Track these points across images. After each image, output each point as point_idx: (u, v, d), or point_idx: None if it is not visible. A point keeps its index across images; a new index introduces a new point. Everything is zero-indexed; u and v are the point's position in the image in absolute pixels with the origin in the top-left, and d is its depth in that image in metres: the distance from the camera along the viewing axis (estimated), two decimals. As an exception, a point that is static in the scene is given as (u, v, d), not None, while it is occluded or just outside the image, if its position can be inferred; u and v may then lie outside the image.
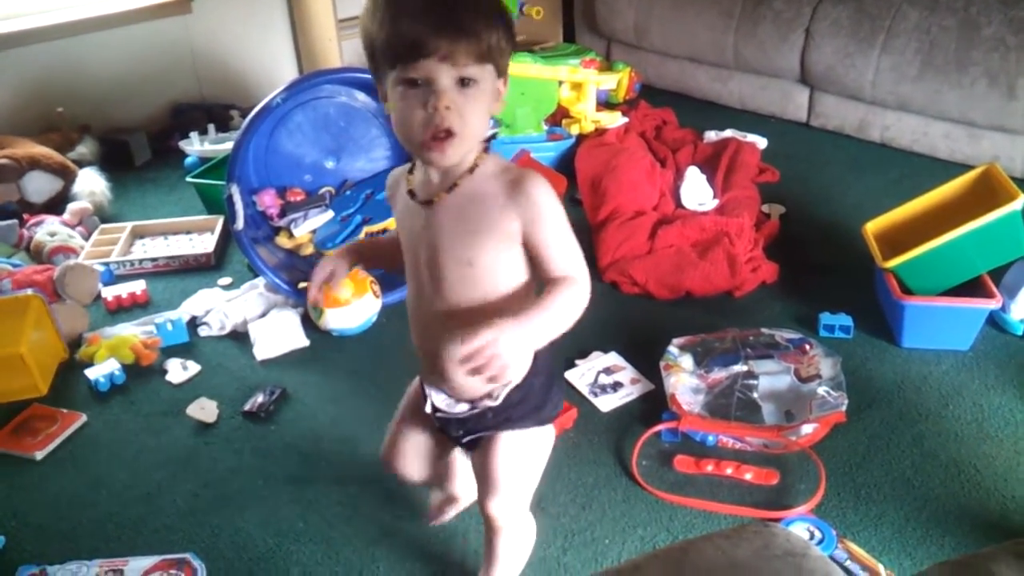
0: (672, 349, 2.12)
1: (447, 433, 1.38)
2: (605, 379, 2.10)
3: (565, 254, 1.16)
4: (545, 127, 3.32)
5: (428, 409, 1.34)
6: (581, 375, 2.10)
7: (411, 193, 1.21)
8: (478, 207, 1.14)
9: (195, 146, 3.34)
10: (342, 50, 3.75)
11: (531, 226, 1.13)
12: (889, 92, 3.25)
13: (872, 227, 2.34)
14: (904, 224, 2.33)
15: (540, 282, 1.19)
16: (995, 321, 2.23)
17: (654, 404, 2.01)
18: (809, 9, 3.43)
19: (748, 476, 1.79)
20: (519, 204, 1.12)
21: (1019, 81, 2.93)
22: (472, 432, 1.34)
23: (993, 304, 2.10)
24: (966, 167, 2.49)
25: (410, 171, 1.23)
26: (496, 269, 1.17)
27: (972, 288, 2.14)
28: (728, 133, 3.36)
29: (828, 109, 3.52)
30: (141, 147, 3.51)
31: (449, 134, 1.07)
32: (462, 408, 1.30)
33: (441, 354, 1.22)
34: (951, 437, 1.89)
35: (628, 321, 2.31)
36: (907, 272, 2.14)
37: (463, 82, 1.07)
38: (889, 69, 3.21)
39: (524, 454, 1.34)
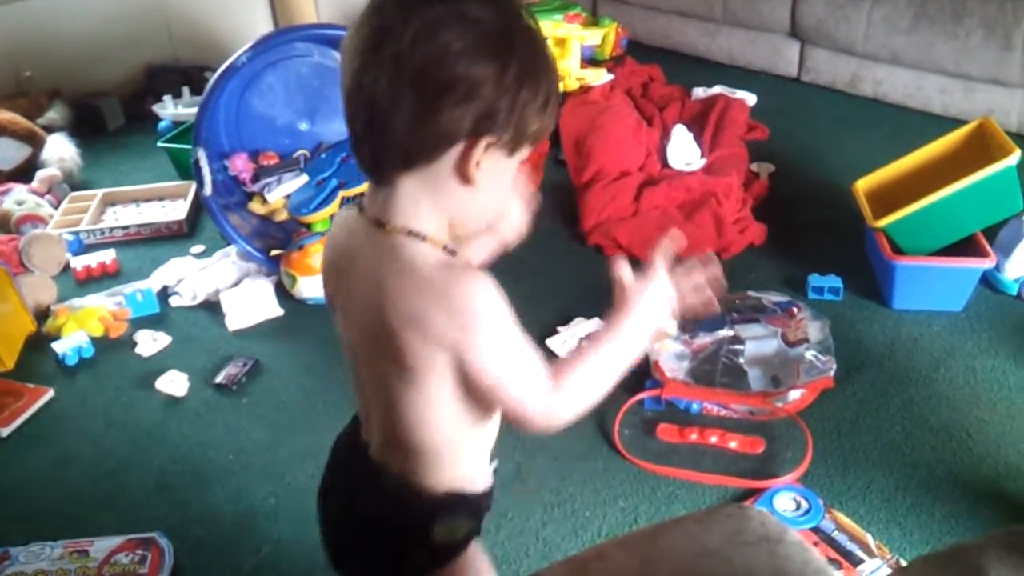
0: (656, 314, 2.05)
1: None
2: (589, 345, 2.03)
3: None
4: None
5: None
6: (563, 342, 2.04)
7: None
8: None
9: (169, 109, 3.25)
10: (319, 6, 3.64)
11: None
12: (881, 45, 3.15)
13: (863, 185, 2.26)
14: (896, 181, 2.26)
15: None
16: (989, 281, 2.16)
17: (638, 371, 1.95)
18: (800, -41, 3.33)
19: (733, 445, 1.74)
20: None
21: (1016, 32, 2.84)
22: None
23: (987, 263, 2.04)
24: (961, 122, 2.41)
25: (452, 253, 0.87)
26: None
27: (965, 247, 2.08)
28: (716, 90, 3.27)
29: (819, 64, 3.42)
30: (114, 111, 3.41)
31: None
32: None
33: None
34: (942, 401, 1.84)
35: (611, 286, 2.24)
36: (898, 231, 2.07)
37: None
38: (881, 21, 3.12)
39: None
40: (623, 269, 0.97)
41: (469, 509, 0.98)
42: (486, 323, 0.81)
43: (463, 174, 0.82)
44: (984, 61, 2.94)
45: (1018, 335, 2.03)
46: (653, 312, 0.95)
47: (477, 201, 0.86)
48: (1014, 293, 2.14)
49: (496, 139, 0.81)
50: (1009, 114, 2.97)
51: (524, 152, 0.86)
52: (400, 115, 0.79)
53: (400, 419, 0.89)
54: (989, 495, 1.62)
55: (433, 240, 0.85)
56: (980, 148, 2.14)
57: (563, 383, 0.87)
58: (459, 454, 0.94)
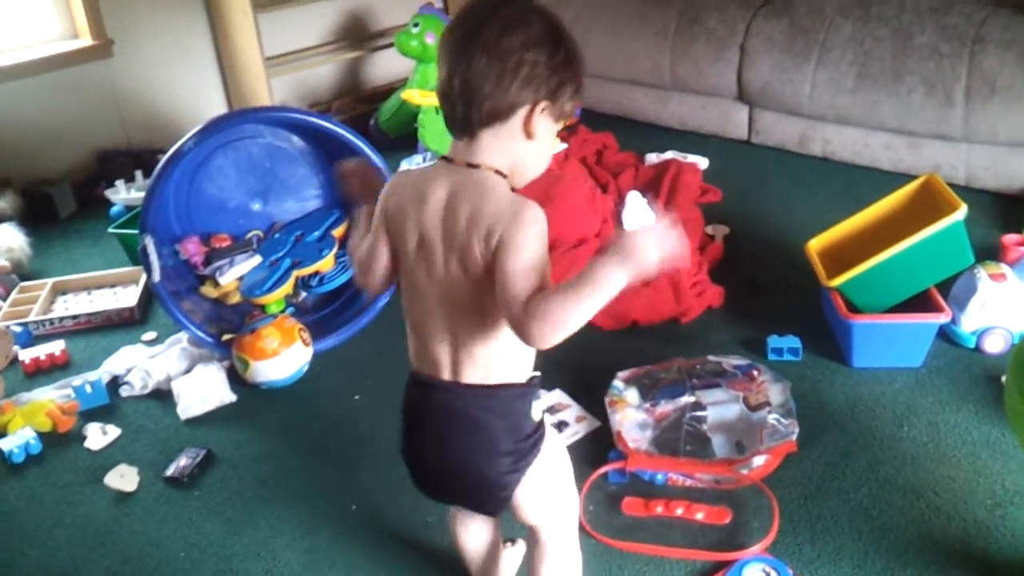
0: (617, 383, 2.03)
1: None
2: (549, 419, 1.99)
3: None
4: (483, 157, 3.23)
5: None
6: (524, 416, 2.00)
7: None
8: None
9: (121, 194, 3.22)
10: (271, 88, 3.65)
11: None
12: (827, 105, 3.22)
13: (815, 244, 2.28)
14: (848, 239, 2.28)
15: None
16: (947, 334, 2.17)
17: (602, 443, 1.91)
18: (743, 26, 3.41)
19: (699, 516, 1.70)
20: None
21: (955, 88, 2.92)
22: None
23: (942, 318, 2.04)
24: (909, 177, 2.44)
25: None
26: None
27: (920, 303, 2.09)
28: (669, 155, 3.31)
29: (768, 126, 3.48)
30: (65, 199, 3.37)
31: None
32: None
33: None
34: (907, 460, 1.82)
35: (572, 356, 2.18)
36: (853, 290, 2.08)
37: None
38: (826, 82, 3.19)
39: None
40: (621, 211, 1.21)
41: (539, 388, 1.25)
42: (528, 230, 1.08)
43: (527, 130, 1.14)
44: (927, 117, 3.01)
45: (978, 388, 2.03)
46: (632, 257, 1.05)
47: (534, 151, 1.17)
48: (972, 346, 2.14)
49: (548, 105, 1.13)
50: (956, 168, 3.03)
51: (560, 124, 1.19)
52: (487, 85, 1.10)
53: (482, 323, 1.15)
54: (959, 555, 1.59)
55: (509, 179, 1.16)
56: (928, 203, 2.16)
57: (535, 305, 1.05)
58: (523, 346, 1.15)
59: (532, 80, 1.11)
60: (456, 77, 1.12)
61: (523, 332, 1.07)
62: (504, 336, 1.15)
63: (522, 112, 1.12)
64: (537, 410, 1.24)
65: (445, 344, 1.19)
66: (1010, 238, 2.48)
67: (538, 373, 1.24)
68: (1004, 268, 2.15)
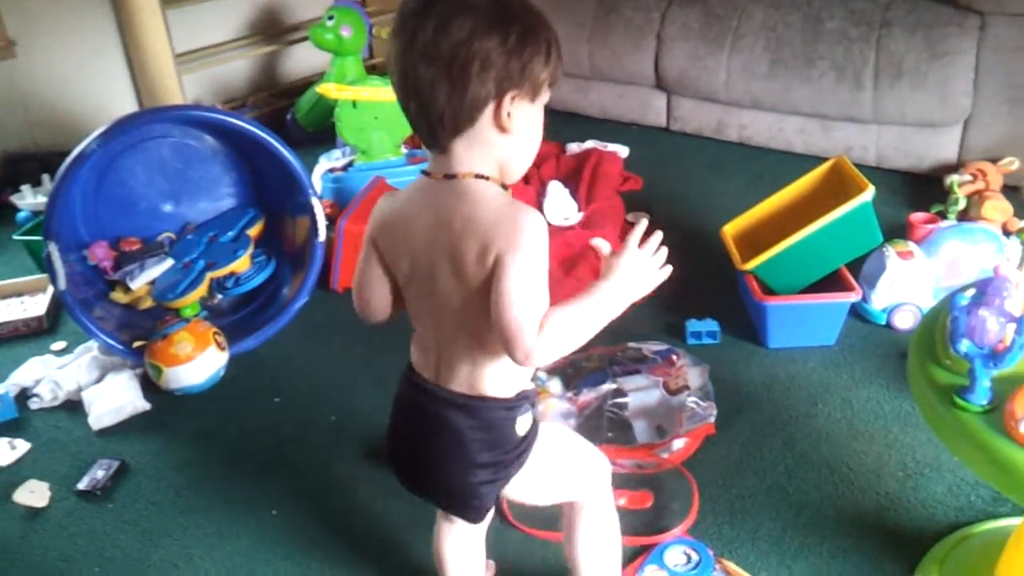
0: (540, 374, 2.03)
1: None
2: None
3: None
4: (404, 150, 3.20)
5: None
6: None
7: None
8: None
9: (27, 199, 3.11)
10: (184, 85, 3.56)
11: None
12: (742, 91, 3.27)
13: (730, 229, 2.31)
14: (762, 223, 2.32)
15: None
16: (859, 313, 2.22)
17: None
18: (658, 14, 3.43)
19: (622, 502, 1.71)
20: None
21: (864, 72, 2.98)
22: None
23: (853, 296, 2.09)
24: (823, 159, 2.47)
25: (506, 189, 1.10)
26: None
27: (832, 282, 2.13)
28: (590, 144, 3.32)
29: (686, 113, 3.51)
30: (-31, 205, 3.24)
31: None
32: None
33: None
34: (822, 437, 1.86)
35: (495, 347, 2.21)
36: (766, 272, 2.12)
37: None
38: (740, 69, 3.23)
39: None
40: (599, 241, 1.14)
41: (531, 401, 1.19)
42: (527, 243, 1.01)
43: (499, 126, 1.03)
44: (838, 101, 3.07)
45: (890, 364, 2.08)
46: (626, 281, 1.11)
47: (517, 144, 1.07)
48: (883, 323, 2.20)
49: (517, 92, 1.02)
50: (867, 149, 3.11)
51: (545, 96, 1.08)
52: (440, 95, 1.00)
53: (474, 337, 1.09)
54: (874, 527, 1.63)
55: (494, 179, 1.07)
56: (839, 185, 2.21)
57: (544, 332, 1.01)
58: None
59: (487, 72, 0.99)
60: (408, 95, 1.03)
61: (524, 359, 1.02)
62: (496, 351, 1.09)
63: (488, 109, 1.02)
64: (523, 424, 1.17)
65: (435, 351, 1.15)
66: (917, 216, 2.54)
67: (531, 386, 1.20)
68: (912, 246, 2.21)
